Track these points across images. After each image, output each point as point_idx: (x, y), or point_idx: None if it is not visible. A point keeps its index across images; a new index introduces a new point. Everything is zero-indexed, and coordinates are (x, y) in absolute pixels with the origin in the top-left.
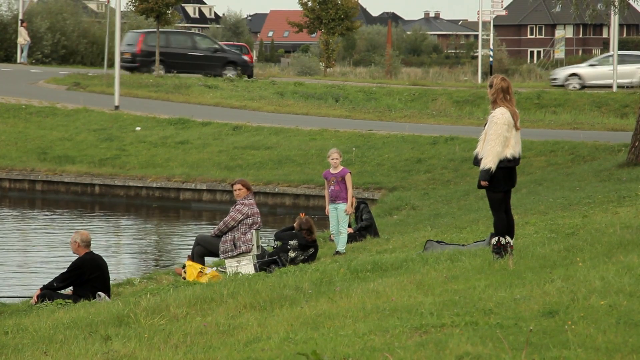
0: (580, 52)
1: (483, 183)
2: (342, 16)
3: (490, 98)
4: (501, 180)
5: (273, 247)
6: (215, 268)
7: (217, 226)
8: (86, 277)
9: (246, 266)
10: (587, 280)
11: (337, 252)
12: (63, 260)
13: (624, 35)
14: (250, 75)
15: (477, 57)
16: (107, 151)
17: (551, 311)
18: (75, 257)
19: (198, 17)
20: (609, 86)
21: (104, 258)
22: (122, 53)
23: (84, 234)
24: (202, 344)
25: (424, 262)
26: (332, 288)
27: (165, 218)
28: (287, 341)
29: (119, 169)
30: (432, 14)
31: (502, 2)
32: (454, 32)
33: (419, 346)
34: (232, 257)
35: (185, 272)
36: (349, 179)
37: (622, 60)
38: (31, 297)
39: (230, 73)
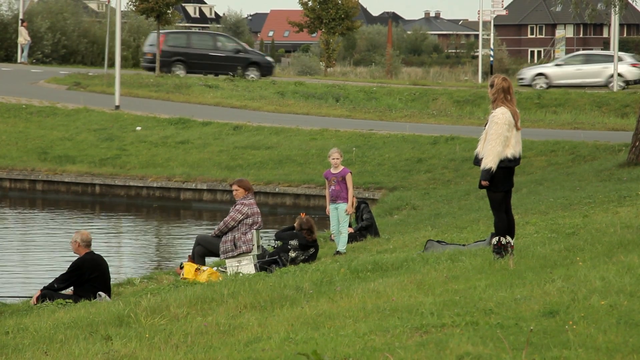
0: (581, 51)
1: (484, 183)
2: (343, 16)
3: (491, 98)
4: (501, 180)
5: (273, 247)
6: (215, 268)
7: (217, 226)
8: (86, 277)
9: (247, 266)
10: (587, 280)
11: (338, 252)
12: (63, 260)
13: (624, 35)
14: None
15: (477, 56)
16: (107, 151)
17: (552, 311)
18: (75, 257)
19: (198, 16)
20: (575, 86)
21: (105, 258)
22: (144, 53)
23: (84, 234)
24: (202, 344)
25: (425, 262)
26: (332, 288)
27: (165, 218)
28: (287, 341)
29: (120, 168)
30: (432, 14)
31: (502, 1)
32: (455, 32)
33: (420, 346)
34: (233, 257)
35: (182, 272)
36: (349, 178)
37: (588, 60)
38: (31, 297)
39: (252, 74)
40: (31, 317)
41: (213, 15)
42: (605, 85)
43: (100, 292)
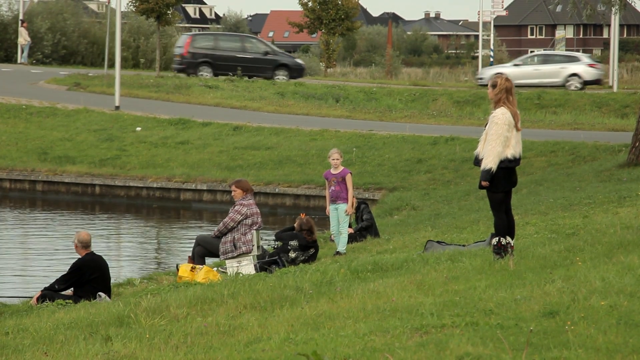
0: (581, 52)
1: (484, 183)
2: (343, 16)
3: (494, 98)
4: (502, 181)
5: (274, 247)
6: (216, 269)
7: (217, 227)
8: (86, 277)
9: (247, 266)
10: (587, 280)
11: (338, 253)
12: (63, 260)
13: (624, 36)
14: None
15: (477, 57)
16: (107, 151)
17: (552, 311)
18: (76, 258)
19: (198, 17)
20: (533, 86)
21: (105, 258)
22: (174, 55)
23: (82, 235)
24: (202, 345)
25: (425, 262)
26: (332, 288)
27: (165, 218)
28: (287, 341)
29: (120, 169)
30: (432, 14)
31: (502, 2)
32: (455, 33)
33: (420, 346)
34: (233, 257)
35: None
36: (349, 179)
37: (546, 60)
38: (31, 297)
39: (281, 76)
40: (31, 317)
41: (213, 16)
42: (563, 85)
43: (100, 293)
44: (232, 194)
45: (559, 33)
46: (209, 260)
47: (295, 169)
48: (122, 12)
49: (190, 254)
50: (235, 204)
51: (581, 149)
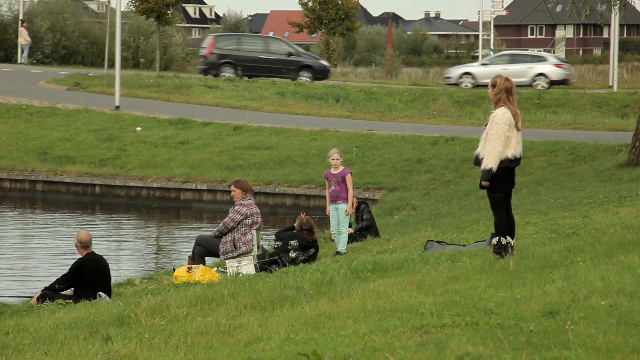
0: (581, 52)
1: (484, 183)
2: (343, 16)
3: (494, 98)
4: (502, 181)
5: (274, 247)
6: (216, 268)
7: (217, 227)
8: (87, 277)
9: (247, 266)
10: (587, 280)
11: (338, 253)
12: (64, 260)
13: (624, 36)
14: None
15: (477, 57)
16: (107, 151)
17: (552, 311)
18: (76, 257)
19: (198, 17)
20: None
21: (105, 258)
22: (200, 56)
23: (82, 235)
24: (202, 344)
25: (425, 262)
26: (332, 288)
27: (165, 218)
28: (287, 341)
29: (120, 169)
30: (432, 14)
31: (502, 2)
32: (455, 32)
33: (420, 346)
34: (233, 257)
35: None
36: (349, 179)
37: (514, 59)
38: (32, 297)
39: (305, 77)
40: (31, 317)
41: (213, 16)
42: (530, 85)
43: (100, 293)
44: (232, 194)
45: (559, 33)
46: (209, 260)
47: (295, 168)
48: (122, 12)
49: (190, 254)
50: (235, 204)
51: (581, 149)
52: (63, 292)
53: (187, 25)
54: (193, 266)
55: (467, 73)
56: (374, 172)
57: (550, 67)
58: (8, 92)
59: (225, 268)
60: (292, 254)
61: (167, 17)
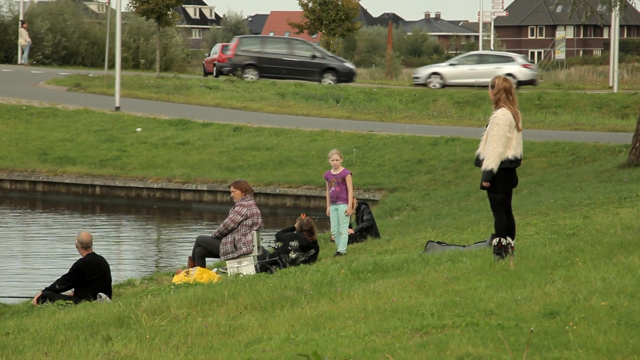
0: (581, 52)
1: (484, 184)
2: (343, 17)
3: (493, 99)
4: (502, 181)
5: (274, 247)
6: (216, 269)
7: (217, 228)
8: (87, 278)
9: (247, 267)
10: (588, 281)
11: (338, 253)
12: (64, 261)
13: (625, 36)
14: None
15: None
16: (107, 152)
17: (552, 312)
18: (77, 258)
19: (199, 18)
20: (468, 85)
21: (105, 259)
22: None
23: (82, 236)
24: (203, 345)
25: (425, 263)
26: (333, 289)
27: (166, 219)
28: (288, 342)
29: (120, 169)
30: (432, 15)
31: (502, 3)
32: (455, 33)
33: (420, 347)
34: (233, 258)
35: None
36: (349, 180)
37: (482, 60)
38: (32, 298)
39: (329, 80)
40: (32, 318)
41: (213, 17)
42: None
43: (100, 293)
44: (232, 194)
45: (559, 34)
46: (209, 261)
47: (295, 169)
48: (122, 12)
49: (190, 255)
50: (235, 204)
51: (581, 150)
52: (63, 293)
53: (187, 26)
54: (190, 269)
55: (435, 73)
56: (374, 172)
57: (518, 68)
58: (8, 93)
59: (226, 269)
60: (293, 255)
61: (167, 17)
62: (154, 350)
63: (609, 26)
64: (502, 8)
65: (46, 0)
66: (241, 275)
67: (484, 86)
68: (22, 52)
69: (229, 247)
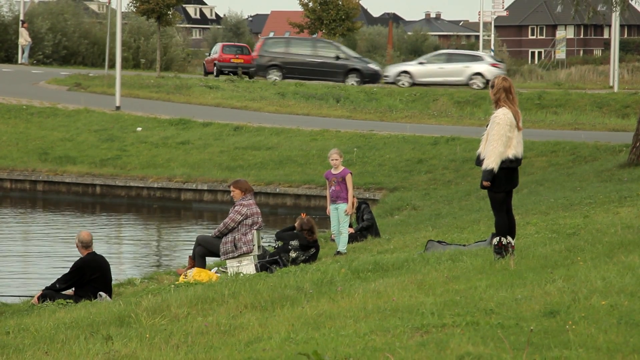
0: (581, 52)
1: (485, 183)
2: (343, 17)
3: (493, 98)
4: (503, 181)
5: (274, 247)
6: (216, 268)
7: (217, 227)
8: (87, 277)
9: (247, 266)
10: (588, 280)
11: (338, 252)
12: (64, 260)
13: (625, 36)
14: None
15: None
16: (108, 151)
17: (552, 311)
18: (77, 257)
19: (199, 17)
20: (437, 84)
21: (106, 258)
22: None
23: (83, 235)
24: (203, 344)
25: (425, 262)
26: (333, 288)
27: (166, 218)
28: (288, 341)
29: (120, 169)
30: (433, 15)
31: (503, 2)
32: (455, 33)
33: (420, 346)
34: (233, 257)
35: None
36: (349, 179)
37: (450, 59)
38: (32, 297)
39: (352, 81)
40: (32, 317)
41: (214, 16)
42: (467, 84)
43: (101, 292)
44: (232, 194)
45: (560, 33)
46: (209, 260)
47: (295, 169)
48: (122, 12)
49: (190, 254)
50: (235, 204)
51: (582, 149)
52: (64, 292)
53: (187, 25)
54: (188, 271)
55: (404, 72)
56: (375, 172)
57: (486, 67)
58: (9, 93)
59: (226, 268)
60: (293, 254)
61: (168, 17)
62: (154, 349)
63: (610, 26)
64: (503, 8)
65: (46, 0)
66: (241, 274)
67: (453, 85)
68: (23, 52)
69: (229, 246)
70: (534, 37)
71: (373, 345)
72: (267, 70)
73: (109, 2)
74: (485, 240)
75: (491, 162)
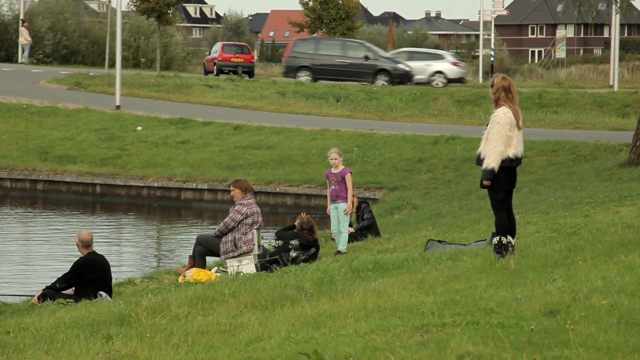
0: (582, 51)
1: (485, 183)
2: (343, 16)
3: (492, 97)
4: (503, 180)
5: (274, 246)
6: (216, 268)
7: (217, 227)
8: (88, 277)
9: (247, 265)
10: (588, 279)
11: (339, 252)
12: (64, 259)
13: (625, 35)
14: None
15: (478, 56)
16: (108, 151)
17: (552, 311)
18: (77, 256)
19: (199, 17)
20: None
21: (106, 257)
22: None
23: (83, 235)
24: (203, 344)
25: (425, 261)
26: (333, 287)
27: (166, 218)
28: (288, 341)
29: (120, 168)
30: (433, 14)
31: (503, 1)
32: (455, 32)
33: (420, 346)
34: (234, 257)
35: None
36: (349, 178)
37: (412, 57)
38: (33, 296)
39: (381, 82)
40: (32, 316)
41: (214, 16)
42: (428, 82)
43: (101, 292)
44: (232, 193)
45: (560, 32)
46: (209, 260)
47: (296, 168)
48: (122, 11)
49: (191, 254)
50: (235, 203)
51: (582, 148)
52: (64, 292)
53: (187, 24)
54: (187, 272)
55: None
56: (375, 171)
57: (448, 65)
58: (9, 92)
59: (226, 267)
60: (293, 254)
61: (168, 16)
62: (155, 349)
63: (610, 25)
64: (503, 7)
65: None
66: (241, 274)
67: (414, 83)
68: (23, 51)
69: (229, 245)
70: (534, 36)
71: (373, 345)
72: (296, 72)
73: (109, 1)
74: (485, 240)
75: (491, 161)
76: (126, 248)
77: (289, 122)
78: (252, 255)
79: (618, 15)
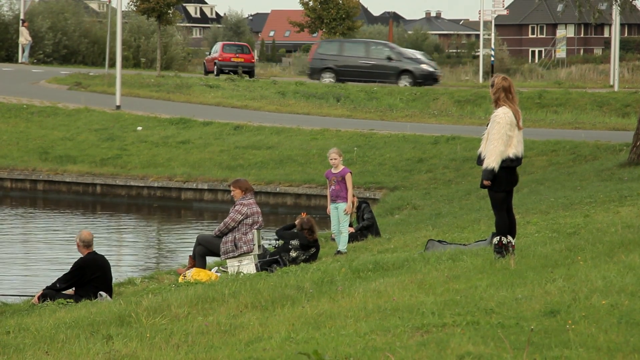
0: (582, 51)
1: (486, 183)
2: (344, 16)
3: (492, 97)
4: (503, 180)
5: (274, 246)
6: (216, 268)
7: (217, 227)
8: (88, 277)
9: (247, 266)
10: (588, 279)
11: (339, 252)
12: (65, 259)
13: (625, 35)
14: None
15: (478, 56)
16: (108, 151)
17: (552, 311)
18: (77, 257)
19: (199, 16)
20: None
21: (106, 258)
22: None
23: (84, 235)
24: (203, 344)
25: (426, 261)
26: (333, 288)
27: (166, 218)
28: (288, 341)
29: (120, 168)
30: (433, 14)
31: (503, 1)
32: (455, 32)
33: (421, 346)
34: (234, 257)
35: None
36: (349, 178)
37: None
38: (33, 296)
39: (405, 82)
40: (32, 316)
41: (214, 15)
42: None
43: (101, 292)
44: (232, 193)
45: (560, 32)
46: (210, 260)
47: (296, 168)
48: (122, 11)
49: (191, 254)
50: (235, 203)
51: (582, 148)
52: (64, 292)
53: (187, 24)
54: (187, 272)
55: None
56: (375, 171)
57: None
58: (9, 92)
59: (226, 268)
60: (293, 254)
61: (168, 16)
62: (155, 349)
63: (610, 25)
64: (503, 7)
65: None
66: (242, 274)
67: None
68: (23, 51)
69: (229, 246)
70: (534, 36)
71: (373, 345)
72: (321, 73)
73: (109, 1)
74: (485, 240)
75: (492, 161)
76: (126, 248)
77: (289, 122)
78: (253, 256)
79: (618, 15)
